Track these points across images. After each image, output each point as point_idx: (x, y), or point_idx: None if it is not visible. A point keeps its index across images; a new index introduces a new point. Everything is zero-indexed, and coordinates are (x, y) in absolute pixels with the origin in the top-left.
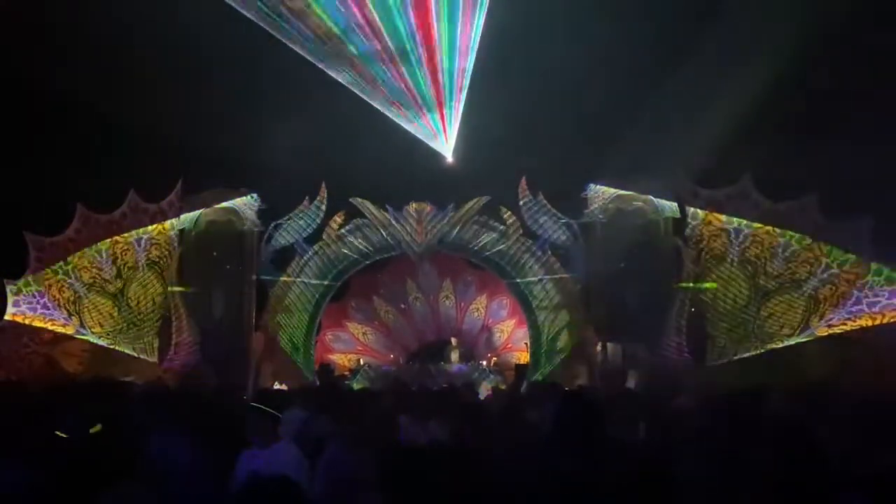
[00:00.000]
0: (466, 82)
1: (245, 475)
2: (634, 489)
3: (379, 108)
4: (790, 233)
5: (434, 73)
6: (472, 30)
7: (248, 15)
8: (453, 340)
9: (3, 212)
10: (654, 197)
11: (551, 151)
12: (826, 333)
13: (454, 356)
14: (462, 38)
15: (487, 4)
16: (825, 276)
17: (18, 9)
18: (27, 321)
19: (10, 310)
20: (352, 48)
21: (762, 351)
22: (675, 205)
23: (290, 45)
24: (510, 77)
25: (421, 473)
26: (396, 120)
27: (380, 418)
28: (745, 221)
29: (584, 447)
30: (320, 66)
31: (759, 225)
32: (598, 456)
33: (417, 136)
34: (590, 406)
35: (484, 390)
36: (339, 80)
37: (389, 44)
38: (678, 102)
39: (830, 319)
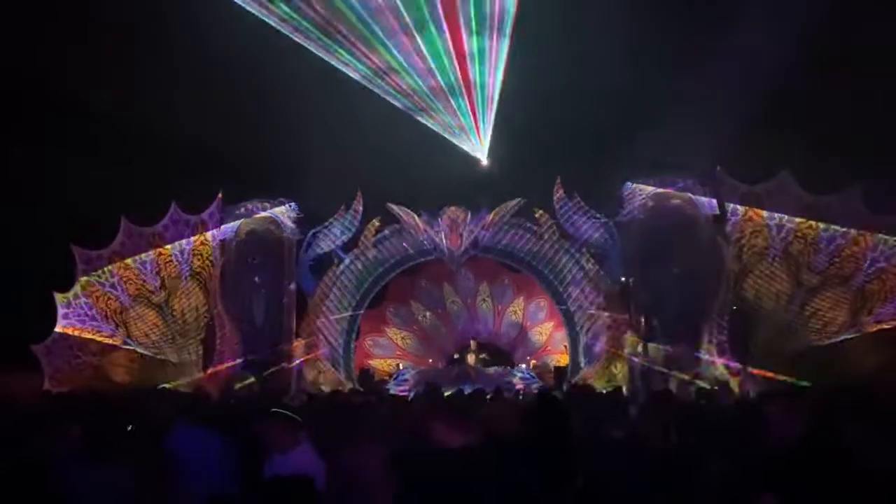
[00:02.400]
0: (499, 86)
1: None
2: (653, 491)
3: (413, 114)
4: (834, 227)
5: (467, 78)
6: (503, 31)
7: (279, 26)
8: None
9: (51, 226)
10: (693, 194)
11: (586, 151)
12: (875, 329)
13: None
14: (494, 43)
15: (518, 7)
16: (872, 270)
17: (61, 21)
18: (76, 333)
19: (60, 322)
20: (388, 55)
21: (807, 349)
22: (713, 201)
23: (328, 57)
24: (543, 78)
25: (450, 475)
26: (431, 125)
27: (413, 421)
28: (786, 216)
29: (547, 451)
30: (354, 75)
31: (802, 219)
32: (562, 460)
33: (452, 140)
34: (555, 411)
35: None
36: (375, 88)
37: (423, 49)
38: (715, 98)
39: (879, 314)
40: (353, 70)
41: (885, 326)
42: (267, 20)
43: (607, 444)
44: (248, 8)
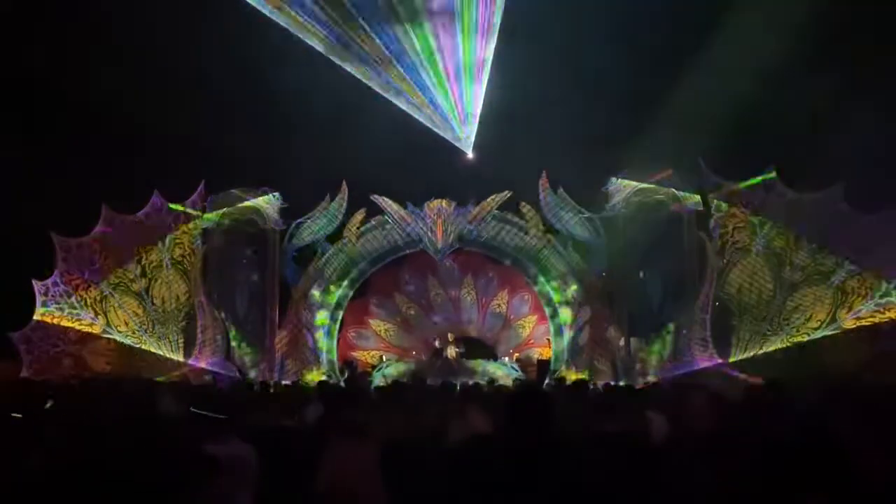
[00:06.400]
0: (485, 79)
1: None
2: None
3: (399, 105)
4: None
5: (454, 70)
6: (491, 26)
7: (271, 15)
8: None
9: (30, 214)
10: (677, 189)
11: (572, 146)
12: (854, 325)
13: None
14: (481, 35)
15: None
16: (853, 267)
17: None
18: (55, 321)
19: (38, 310)
20: (374, 46)
21: (788, 344)
22: (698, 197)
23: (312, 45)
24: (530, 72)
25: (437, 468)
26: (417, 117)
27: (400, 413)
28: (769, 212)
29: (531, 444)
30: (342, 64)
31: (785, 216)
32: (545, 453)
33: (438, 133)
34: (539, 402)
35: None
36: (360, 77)
37: (413, 40)
38: (700, 94)
39: (859, 311)
40: (341, 60)
41: (864, 323)
42: (255, 5)
43: (599, 439)
44: None
